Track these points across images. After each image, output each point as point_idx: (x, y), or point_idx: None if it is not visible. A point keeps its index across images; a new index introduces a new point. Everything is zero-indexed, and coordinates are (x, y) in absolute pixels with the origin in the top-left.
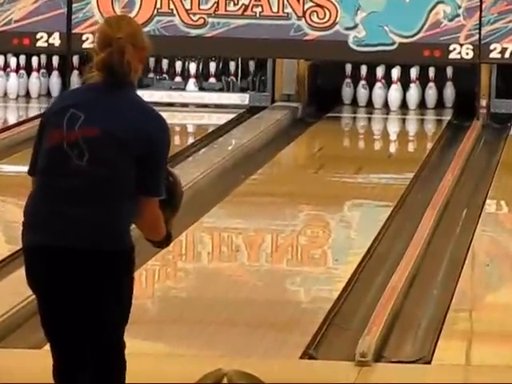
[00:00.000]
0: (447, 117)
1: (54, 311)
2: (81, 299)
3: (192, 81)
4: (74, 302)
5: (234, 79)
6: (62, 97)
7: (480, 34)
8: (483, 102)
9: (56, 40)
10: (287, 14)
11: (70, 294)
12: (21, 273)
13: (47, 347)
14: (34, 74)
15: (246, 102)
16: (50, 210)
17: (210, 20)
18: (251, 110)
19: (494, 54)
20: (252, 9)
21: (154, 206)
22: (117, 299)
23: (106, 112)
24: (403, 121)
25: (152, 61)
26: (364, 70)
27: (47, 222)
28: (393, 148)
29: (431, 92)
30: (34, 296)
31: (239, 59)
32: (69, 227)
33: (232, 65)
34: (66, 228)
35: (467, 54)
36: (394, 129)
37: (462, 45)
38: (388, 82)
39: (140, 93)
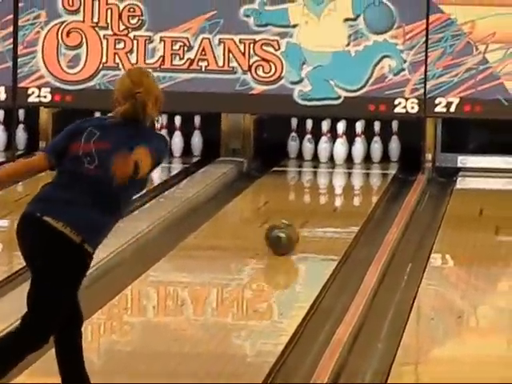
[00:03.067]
0: (392, 171)
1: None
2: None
3: None
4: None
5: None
6: (87, 120)
7: (425, 88)
8: (428, 156)
9: (1, 94)
10: (233, 68)
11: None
12: None
13: None
14: None
15: None
16: (56, 194)
17: (156, 74)
18: (197, 164)
19: (440, 108)
20: (198, 63)
21: None
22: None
23: (117, 132)
24: (348, 175)
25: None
26: (309, 124)
27: (49, 200)
28: (338, 202)
29: (376, 146)
30: None
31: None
32: (63, 211)
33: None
34: (61, 211)
35: (412, 108)
36: (339, 183)
37: (407, 99)
38: (333, 135)
39: None
